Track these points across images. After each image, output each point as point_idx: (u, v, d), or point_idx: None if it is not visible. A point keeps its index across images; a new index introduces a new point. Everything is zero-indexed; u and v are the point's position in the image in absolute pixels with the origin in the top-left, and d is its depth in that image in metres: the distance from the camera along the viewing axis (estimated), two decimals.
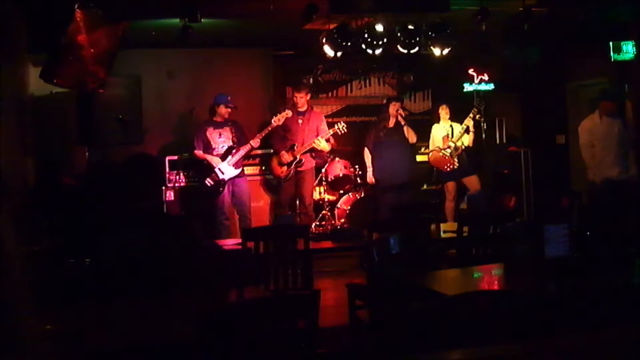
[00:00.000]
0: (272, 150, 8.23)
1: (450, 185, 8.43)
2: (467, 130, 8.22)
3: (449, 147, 8.25)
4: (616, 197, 6.99)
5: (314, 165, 8.23)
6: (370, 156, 8.17)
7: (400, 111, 8.01)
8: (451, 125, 8.39)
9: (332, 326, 4.89)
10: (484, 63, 9.24)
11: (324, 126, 8.16)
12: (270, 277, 4.82)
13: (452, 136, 8.29)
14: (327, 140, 8.11)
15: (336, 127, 8.15)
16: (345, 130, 8.13)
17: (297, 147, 8.00)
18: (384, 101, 8.43)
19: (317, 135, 8.04)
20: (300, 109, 8.03)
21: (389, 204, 7.03)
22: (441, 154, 8.30)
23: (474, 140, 8.38)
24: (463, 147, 8.28)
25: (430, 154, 8.55)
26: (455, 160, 8.25)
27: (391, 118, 8.05)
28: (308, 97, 8.19)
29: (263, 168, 8.57)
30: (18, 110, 6.95)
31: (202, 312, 2.49)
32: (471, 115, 8.24)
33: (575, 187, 9.62)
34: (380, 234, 5.10)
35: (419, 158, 9.17)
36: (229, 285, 3.83)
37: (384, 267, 4.57)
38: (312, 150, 8.05)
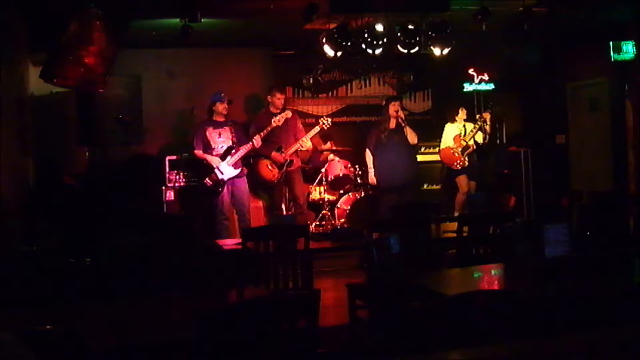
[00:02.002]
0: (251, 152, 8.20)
1: (462, 179, 8.43)
2: (481, 128, 8.25)
3: (461, 145, 8.29)
4: None
5: (299, 164, 8.26)
6: (371, 157, 8.16)
7: (400, 113, 8.00)
8: (464, 125, 8.41)
9: (332, 326, 4.90)
10: (484, 63, 9.24)
11: (300, 124, 8.23)
12: (270, 277, 4.82)
13: (465, 134, 8.33)
14: (324, 140, 8.14)
15: (321, 122, 8.17)
16: (330, 125, 8.17)
17: (284, 149, 8.00)
18: (383, 102, 8.44)
19: (296, 135, 8.07)
20: (278, 110, 8.03)
21: (390, 205, 7.02)
22: (452, 151, 8.34)
23: (485, 138, 8.40)
24: (474, 147, 8.32)
25: (440, 151, 8.58)
26: (466, 158, 8.29)
27: (391, 119, 8.04)
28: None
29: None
30: (18, 110, 6.95)
31: (202, 312, 2.49)
32: (485, 116, 8.26)
33: (575, 187, 9.63)
34: (380, 234, 5.11)
35: (420, 158, 9.17)
36: (229, 285, 3.83)
37: (384, 267, 4.57)
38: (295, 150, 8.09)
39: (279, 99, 8.05)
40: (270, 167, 8.02)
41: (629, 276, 3.64)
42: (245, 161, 8.37)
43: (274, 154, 7.98)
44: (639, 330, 2.34)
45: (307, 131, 8.15)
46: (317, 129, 8.11)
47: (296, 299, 2.93)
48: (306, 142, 8.04)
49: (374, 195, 8.41)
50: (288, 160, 7.99)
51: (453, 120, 8.50)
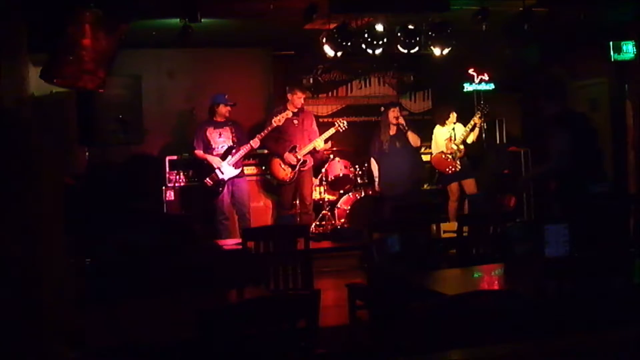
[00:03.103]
0: (265, 152, 8.22)
1: (454, 186, 8.41)
2: (472, 129, 8.20)
3: (451, 149, 8.24)
4: None
5: (312, 164, 8.25)
6: (377, 166, 8.15)
7: (400, 119, 7.98)
8: (454, 128, 8.37)
9: (332, 326, 4.90)
10: (484, 63, 9.24)
11: (315, 125, 8.21)
12: (270, 277, 4.82)
13: (455, 139, 8.27)
14: (327, 140, 8.13)
15: (336, 124, 8.16)
16: (346, 127, 8.16)
17: (298, 149, 7.99)
18: (382, 109, 8.44)
19: (310, 135, 8.06)
20: (296, 109, 8.02)
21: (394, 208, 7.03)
22: (443, 157, 8.29)
23: (478, 137, 8.37)
24: (465, 150, 8.28)
25: (432, 156, 8.55)
26: (458, 162, 8.24)
27: (391, 125, 8.02)
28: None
29: (263, 168, 8.56)
30: (18, 111, 6.94)
31: (202, 312, 2.49)
32: (475, 118, 8.23)
33: None
34: (380, 234, 5.11)
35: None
36: (229, 285, 3.83)
37: (384, 267, 4.57)
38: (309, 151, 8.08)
39: (299, 97, 8.03)
40: (283, 167, 8.03)
41: (629, 276, 3.64)
42: (261, 161, 8.40)
43: (286, 155, 7.97)
44: (639, 330, 2.34)
45: (321, 132, 8.16)
46: (332, 130, 8.10)
47: (296, 299, 2.93)
48: (320, 143, 8.03)
49: (376, 197, 8.41)
50: (302, 160, 7.99)
51: (443, 124, 8.45)
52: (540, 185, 8.48)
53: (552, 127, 5.17)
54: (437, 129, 8.50)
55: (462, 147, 8.23)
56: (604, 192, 5.03)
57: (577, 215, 4.64)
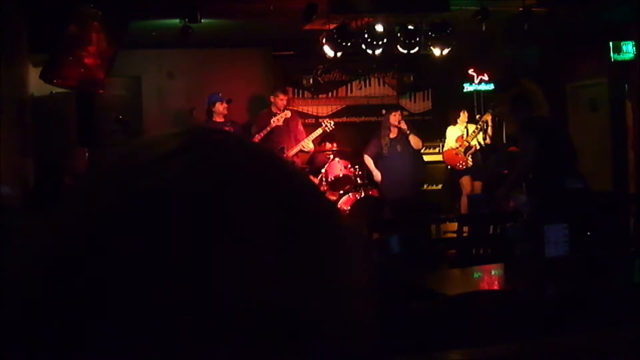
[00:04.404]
0: None
1: (465, 180, 8.41)
2: (482, 129, 8.25)
3: (463, 145, 8.29)
4: None
5: (301, 165, 8.27)
6: (371, 161, 8.13)
7: (402, 123, 7.97)
8: (466, 127, 8.41)
9: None
10: (484, 63, 9.24)
11: (301, 126, 8.23)
12: None
13: (467, 135, 8.33)
14: (329, 141, 8.14)
15: (323, 124, 8.17)
16: (333, 127, 8.17)
17: (286, 150, 8.00)
18: (383, 112, 8.42)
19: (297, 136, 8.07)
20: (280, 111, 8.02)
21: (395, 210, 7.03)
22: (455, 152, 8.33)
23: (485, 139, 8.41)
24: (477, 147, 8.32)
25: (444, 153, 8.59)
26: (469, 158, 8.28)
27: (392, 128, 8.01)
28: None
29: None
30: (18, 111, 6.95)
31: None
32: (487, 116, 8.27)
33: None
34: (380, 234, 5.11)
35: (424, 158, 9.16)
36: None
37: (384, 267, 4.56)
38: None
39: (281, 100, 8.03)
40: None
41: (629, 276, 3.64)
42: None
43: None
44: (639, 330, 2.34)
45: (307, 132, 8.16)
46: (319, 130, 8.10)
47: None
48: (308, 144, 8.03)
49: (377, 197, 8.40)
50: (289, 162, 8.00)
51: (455, 123, 8.50)
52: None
53: (520, 134, 5.36)
54: (450, 128, 8.55)
55: (474, 143, 8.30)
56: (579, 188, 5.12)
57: (554, 210, 4.72)
